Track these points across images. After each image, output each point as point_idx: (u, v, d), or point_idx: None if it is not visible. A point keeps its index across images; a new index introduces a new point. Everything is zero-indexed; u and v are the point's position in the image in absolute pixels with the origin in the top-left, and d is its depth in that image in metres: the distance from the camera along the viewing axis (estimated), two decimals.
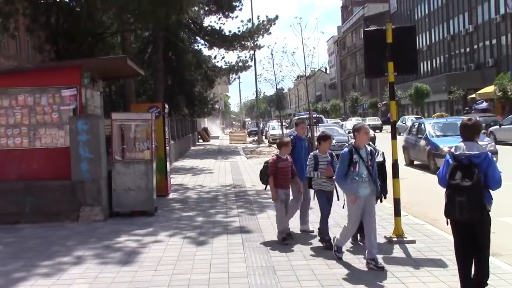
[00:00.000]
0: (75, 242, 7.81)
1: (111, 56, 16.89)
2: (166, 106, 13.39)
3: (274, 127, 40.86)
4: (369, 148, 6.20)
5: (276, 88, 26.45)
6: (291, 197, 7.87)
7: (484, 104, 41.85)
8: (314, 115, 20.83)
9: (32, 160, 9.70)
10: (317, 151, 7.39)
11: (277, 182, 7.41)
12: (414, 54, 7.93)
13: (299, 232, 8.02)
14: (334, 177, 6.71)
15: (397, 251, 6.76)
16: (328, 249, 6.73)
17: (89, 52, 15.79)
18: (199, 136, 45.80)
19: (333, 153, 7.39)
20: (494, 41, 47.24)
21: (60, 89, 9.88)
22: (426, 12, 62.34)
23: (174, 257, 6.77)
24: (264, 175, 7.65)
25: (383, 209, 9.51)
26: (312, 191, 7.55)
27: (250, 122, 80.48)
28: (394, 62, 7.37)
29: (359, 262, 6.29)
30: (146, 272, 6.16)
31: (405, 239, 7.20)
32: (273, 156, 7.68)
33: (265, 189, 7.93)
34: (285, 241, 7.30)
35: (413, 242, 7.10)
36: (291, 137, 8.09)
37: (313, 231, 7.86)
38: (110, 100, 25.00)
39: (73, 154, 9.32)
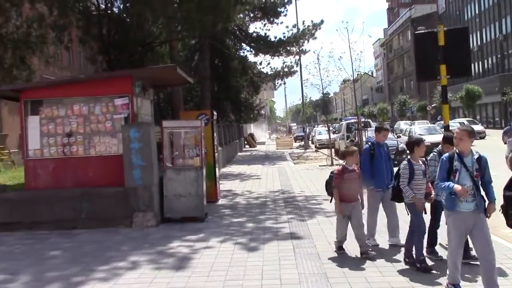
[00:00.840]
0: (130, 247, 7.99)
1: (161, 65, 17.30)
2: (215, 113, 13.54)
3: (321, 132, 40.62)
4: (476, 155, 5.22)
5: (323, 93, 26.23)
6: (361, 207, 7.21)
7: None
8: (362, 120, 20.57)
9: (87, 168, 10.03)
10: (409, 158, 6.51)
11: (342, 194, 6.93)
12: (468, 56, 7.76)
13: (385, 247, 7.38)
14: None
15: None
16: (422, 270, 6.05)
17: (139, 62, 16.23)
18: (246, 142, 46.05)
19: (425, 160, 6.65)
20: None
21: (113, 98, 10.19)
22: (477, 11, 60.64)
23: (226, 263, 6.83)
24: (330, 186, 7.17)
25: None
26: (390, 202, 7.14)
27: (296, 127, 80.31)
28: (446, 64, 7.22)
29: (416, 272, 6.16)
30: (199, 278, 6.23)
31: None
32: (339, 166, 7.21)
33: (330, 201, 7.39)
34: (341, 250, 7.05)
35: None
36: (369, 143, 7.58)
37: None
38: (159, 108, 25.51)
39: (126, 162, 9.56)
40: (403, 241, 6.93)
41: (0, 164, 21.62)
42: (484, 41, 59.18)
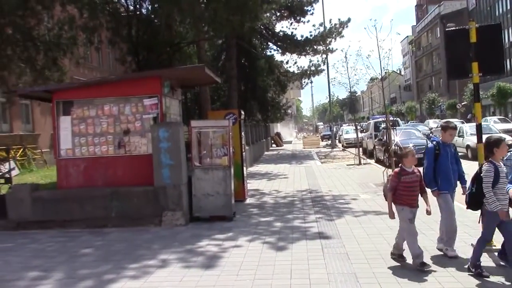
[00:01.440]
0: (159, 245, 8.08)
1: (189, 65, 17.44)
2: (242, 112, 13.58)
3: (348, 131, 40.35)
4: None
5: (350, 92, 26.05)
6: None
7: None
8: (390, 118, 20.37)
9: (117, 167, 10.18)
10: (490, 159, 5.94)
11: (401, 199, 6.43)
12: (501, 53, 7.58)
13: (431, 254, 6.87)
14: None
15: (486, 260, 6.45)
16: (479, 276, 5.78)
17: (168, 62, 16.39)
18: (272, 141, 46.04)
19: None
20: None
21: (142, 99, 10.31)
22: (508, 7, 59.26)
23: (255, 262, 6.84)
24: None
25: (469, 215, 9.13)
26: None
27: (323, 126, 79.92)
28: (478, 62, 7.08)
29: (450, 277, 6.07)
30: (228, 277, 6.27)
31: (493, 247, 6.86)
32: (396, 169, 6.69)
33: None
34: (424, 266, 6.12)
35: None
36: (434, 142, 6.93)
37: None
38: (186, 107, 25.73)
39: (155, 161, 9.66)
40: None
41: (32, 164, 22.12)
42: None
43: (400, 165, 6.57)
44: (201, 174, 10.15)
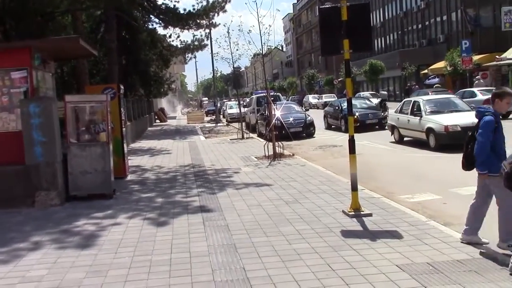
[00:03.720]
0: (32, 227, 7.65)
1: (62, 36, 16.37)
2: (122, 87, 13.16)
3: (232, 106, 40.81)
4: None
5: (233, 67, 26.27)
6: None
7: (436, 79, 42.98)
8: (271, 93, 20.90)
9: None
10: None
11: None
12: (369, 31, 8.04)
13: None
14: None
15: (355, 225, 6.94)
16: None
17: (39, 33, 15.28)
18: (156, 117, 45.25)
19: None
20: (445, 18, 48.28)
21: (9, 71, 9.55)
22: None
23: (135, 239, 6.74)
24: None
25: (340, 184, 9.74)
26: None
27: (207, 102, 79.97)
28: (349, 39, 7.45)
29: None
30: (106, 255, 6.11)
31: (362, 212, 7.39)
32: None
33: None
34: None
35: (369, 215, 7.29)
36: (491, 113, 5.68)
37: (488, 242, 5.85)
38: (63, 82, 24.31)
39: (26, 138, 9.06)
40: None
41: None
42: (386, 17, 61.75)
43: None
44: (78, 151, 9.71)
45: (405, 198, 8.82)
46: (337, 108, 24.09)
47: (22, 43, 10.91)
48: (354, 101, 22.86)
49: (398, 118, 17.31)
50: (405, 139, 16.90)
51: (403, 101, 18.59)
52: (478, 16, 42.78)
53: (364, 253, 5.71)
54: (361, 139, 17.60)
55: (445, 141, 14.18)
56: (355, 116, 18.62)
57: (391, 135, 17.79)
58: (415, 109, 16.18)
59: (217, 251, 6.03)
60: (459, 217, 7.32)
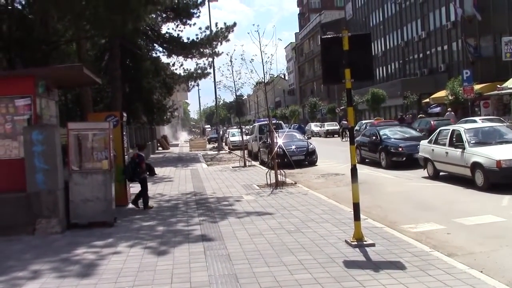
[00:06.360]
0: (31, 256, 7.58)
1: (66, 64, 16.54)
2: (124, 114, 13.22)
3: (234, 134, 40.86)
4: None
5: (236, 95, 26.44)
6: None
7: (438, 108, 43.08)
8: (273, 121, 20.95)
9: None
10: None
11: None
12: (370, 60, 8.10)
13: None
14: None
15: (358, 255, 6.87)
16: None
17: (44, 61, 15.43)
18: (159, 144, 45.33)
19: None
20: (445, 47, 48.67)
21: (13, 99, 9.63)
22: (381, 19, 63.69)
23: (135, 268, 6.67)
24: None
25: (342, 213, 9.67)
26: None
27: (210, 129, 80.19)
28: (350, 69, 7.50)
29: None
30: (106, 285, 6.04)
31: (365, 242, 7.32)
32: None
33: None
34: None
35: (372, 245, 7.22)
36: None
37: None
38: (67, 109, 24.48)
39: (28, 166, 9.06)
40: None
41: None
42: (388, 47, 62.31)
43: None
44: (79, 178, 9.69)
45: (408, 227, 8.74)
46: (374, 138, 19.89)
47: (26, 71, 11.04)
48: (392, 129, 20.71)
49: (433, 150, 14.74)
50: (441, 173, 14.56)
51: (438, 130, 15.63)
52: (479, 46, 43.14)
53: (368, 284, 5.63)
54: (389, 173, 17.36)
55: (498, 179, 11.82)
56: (400, 149, 17.87)
57: (424, 169, 15.35)
58: (454, 139, 13.84)
59: (218, 281, 5.95)
60: (463, 248, 7.26)
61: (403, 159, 17.40)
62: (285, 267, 6.40)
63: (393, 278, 5.78)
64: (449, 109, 34.04)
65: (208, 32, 28.98)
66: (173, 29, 32.96)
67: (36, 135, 9.07)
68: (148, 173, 12.08)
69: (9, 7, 15.91)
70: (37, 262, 7.20)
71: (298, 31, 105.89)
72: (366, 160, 20.33)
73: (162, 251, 7.59)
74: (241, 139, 26.78)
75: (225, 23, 29.06)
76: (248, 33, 16.18)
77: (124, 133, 12.99)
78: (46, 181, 9.07)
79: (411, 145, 17.29)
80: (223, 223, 9.47)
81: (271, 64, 19.43)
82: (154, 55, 32.77)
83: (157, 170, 22.41)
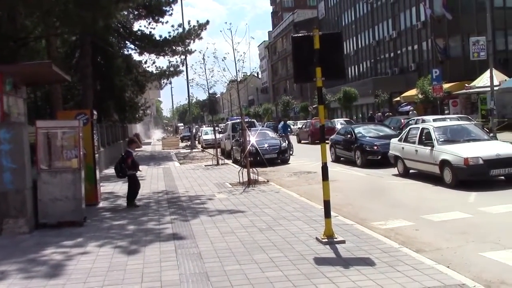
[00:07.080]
0: None
1: (35, 61, 16.22)
2: (95, 112, 13.06)
3: (207, 132, 40.75)
4: None
5: (209, 93, 26.35)
6: None
7: (408, 107, 43.79)
8: (246, 120, 20.98)
9: None
10: None
11: None
12: (341, 59, 8.17)
13: None
14: None
15: (328, 252, 6.93)
16: None
17: (11, 58, 15.10)
18: None
19: None
20: (416, 47, 49.49)
21: None
22: (353, 18, 64.33)
23: (105, 268, 6.59)
24: None
25: (314, 210, 9.75)
26: None
27: (183, 127, 79.72)
28: (321, 67, 7.55)
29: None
30: (74, 285, 5.96)
31: (335, 239, 7.39)
32: None
33: None
34: None
35: (343, 242, 7.29)
36: None
37: None
38: (36, 107, 24.02)
39: None
40: None
41: None
42: (360, 46, 62.98)
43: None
44: (48, 177, 9.52)
45: (378, 224, 8.86)
46: (349, 136, 19.86)
47: None
48: (367, 128, 20.78)
49: (403, 148, 14.92)
50: (411, 171, 14.72)
51: (408, 128, 15.96)
52: (448, 45, 44.00)
53: (337, 280, 5.69)
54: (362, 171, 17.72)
55: (465, 177, 12.12)
56: (375, 148, 17.91)
57: (394, 167, 15.50)
58: (423, 137, 13.98)
59: (189, 280, 5.93)
60: (431, 244, 7.41)
61: (378, 158, 17.51)
62: (257, 265, 6.42)
63: (362, 274, 5.85)
64: (411, 108, 34.65)
65: (180, 29, 28.87)
66: (145, 26, 32.67)
67: (3, 134, 8.87)
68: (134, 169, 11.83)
69: None
70: (4, 263, 7.05)
71: (271, 30, 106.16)
72: (341, 158, 20.35)
73: (132, 250, 7.52)
74: (214, 138, 26.73)
75: (197, 21, 29.03)
76: (221, 31, 16.15)
77: (95, 131, 12.84)
78: (14, 180, 8.89)
79: (386, 144, 16.84)
80: (195, 221, 9.43)
81: (243, 62, 19.43)
82: (126, 52, 32.42)
83: None
